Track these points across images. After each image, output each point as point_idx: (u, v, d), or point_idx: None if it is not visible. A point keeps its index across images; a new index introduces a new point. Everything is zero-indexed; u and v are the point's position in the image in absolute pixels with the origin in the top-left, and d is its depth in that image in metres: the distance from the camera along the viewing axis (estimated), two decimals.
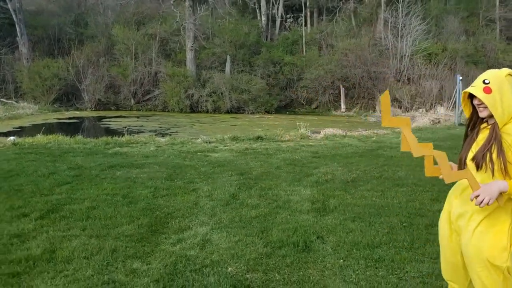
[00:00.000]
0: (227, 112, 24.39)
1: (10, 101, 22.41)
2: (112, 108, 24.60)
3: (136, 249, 3.61)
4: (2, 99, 22.60)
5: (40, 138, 9.91)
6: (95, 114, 22.00)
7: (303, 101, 26.58)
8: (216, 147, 9.36)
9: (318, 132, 12.70)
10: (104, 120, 19.50)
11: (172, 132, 15.02)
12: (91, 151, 8.53)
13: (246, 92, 24.67)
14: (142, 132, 14.45)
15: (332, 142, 10.73)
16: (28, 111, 20.03)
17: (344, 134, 12.31)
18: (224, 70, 26.09)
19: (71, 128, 15.86)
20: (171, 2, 28.80)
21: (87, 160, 7.48)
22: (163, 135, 13.24)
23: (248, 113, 24.57)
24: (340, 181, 6.20)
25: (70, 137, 10.54)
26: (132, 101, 25.01)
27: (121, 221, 4.32)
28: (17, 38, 25.62)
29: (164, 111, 24.56)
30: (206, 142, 9.89)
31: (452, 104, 19.45)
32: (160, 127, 16.82)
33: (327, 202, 5.08)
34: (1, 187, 5.55)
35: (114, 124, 17.77)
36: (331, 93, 25.72)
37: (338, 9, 28.81)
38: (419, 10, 25.90)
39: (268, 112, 25.11)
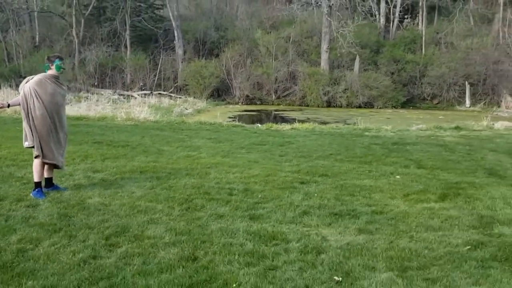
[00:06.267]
0: (358, 106, 27.19)
1: (178, 96, 26.71)
2: (257, 102, 28.29)
3: None
4: (171, 94, 27.00)
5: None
6: (262, 107, 26.50)
7: (428, 97, 28.75)
8: (447, 134, 12.17)
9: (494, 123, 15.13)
10: (277, 112, 23.96)
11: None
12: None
13: (375, 89, 27.39)
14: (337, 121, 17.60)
15: None
16: (201, 105, 23.97)
17: None
18: (352, 68, 28.92)
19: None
20: (296, 9, 32.13)
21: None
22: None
23: (377, 108, 27.23)
24: None
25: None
26: (273, 96, 28.54)
27: None
28: (174, 42, 30.06)
29: (301, 105, 27.90)
30: (425, 130, 12.75)
31: None
32: (336, 119, 20.28)
33: None
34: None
35: (294, 116, 22.04)
36: (456, 89, 27.73)
37: (458, 9, 30.45)
38: None
39: (394, 107, 27.64)
